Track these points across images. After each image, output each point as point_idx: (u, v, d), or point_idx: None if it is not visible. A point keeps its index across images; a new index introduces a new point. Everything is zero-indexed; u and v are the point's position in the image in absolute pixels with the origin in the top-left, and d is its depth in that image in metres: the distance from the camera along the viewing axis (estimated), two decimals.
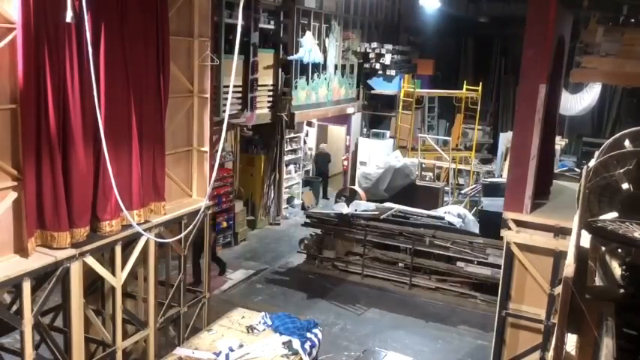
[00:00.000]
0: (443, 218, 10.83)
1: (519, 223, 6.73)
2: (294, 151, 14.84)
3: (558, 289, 5.98)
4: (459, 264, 10.00)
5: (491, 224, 8.92)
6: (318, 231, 11.44)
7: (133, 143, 6.01)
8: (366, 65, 16.86)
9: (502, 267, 6.88)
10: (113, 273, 6.06)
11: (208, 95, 7.13)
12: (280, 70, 13.41)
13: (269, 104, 13.32)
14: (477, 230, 10.19)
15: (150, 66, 6.12)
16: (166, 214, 6.60)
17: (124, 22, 5.72)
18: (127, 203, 5.80)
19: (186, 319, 7.40)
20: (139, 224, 5.97)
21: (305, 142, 15.61)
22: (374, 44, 16.60)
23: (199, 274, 9.21)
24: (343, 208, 11.78)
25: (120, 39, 5.71)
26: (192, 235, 6.96)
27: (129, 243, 6.24)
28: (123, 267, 6.12)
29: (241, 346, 6.23)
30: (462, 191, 15.26)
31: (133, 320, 6.72)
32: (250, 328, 6.64)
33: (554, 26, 6.78)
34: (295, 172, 15.03)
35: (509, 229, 6.70)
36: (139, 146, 6.07)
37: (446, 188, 15.19)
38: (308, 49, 13.37)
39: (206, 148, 7.22)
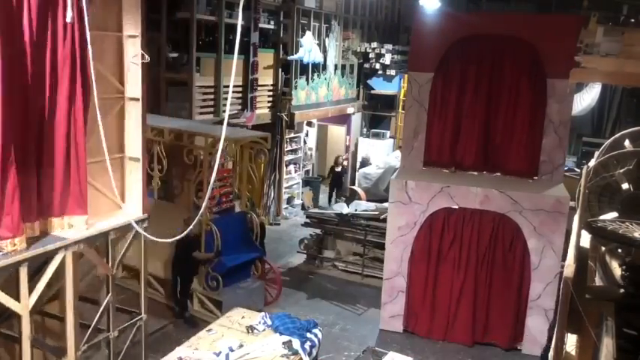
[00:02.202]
0: None
1: None
2: (294, 151, 14.84)
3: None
4: None
5: None
6: (318, 231, 11.44)
7: (45, 150, 5.19)
8: (366, 65, 16.86)
9: None
10: (18, 297, 5.03)
11: (140, 97, 6.20)
12: (280, 70, 13.41)
13: (269, 104, 13.33)
14: None
15: (61, 62, 5.16)
16: (89, 228, 5.62)
17: (30, 14, 4.80)
18: (36, 216, 5.15)
19: (119, 345, 6.41)
20: (53, 240, 5.23)
21: (305, 142, 15.61)
22: (374, 44, 16.60)
23: (179, 294, 8.75)
24: (343, 208, 11.78)
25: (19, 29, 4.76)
26: (121, 253, 6.13)
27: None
28: (33, 290, 5.12)
29: (241, 346, 6.22)
30: None
31: (44, 348, 5.91)
32: (250, 328, 6.64)
33: None
34: (295, 172, 15.03)
35: None
36: (53, 153, 5.24)
37: None
38: (308, 49, 13.38)
39: (138, 154, 6.26)
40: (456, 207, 8.20)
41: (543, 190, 8.19)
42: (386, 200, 12.82)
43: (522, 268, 8.11)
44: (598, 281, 2.92)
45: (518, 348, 8.39)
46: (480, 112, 8.76)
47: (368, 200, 13.32)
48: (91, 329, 5.97)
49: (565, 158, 8.86)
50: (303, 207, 14.93)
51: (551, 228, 7.90)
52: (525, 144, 8.66)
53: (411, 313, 8.73)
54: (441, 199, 8.24)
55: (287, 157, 14.42)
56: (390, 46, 16.70)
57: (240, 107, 12.16)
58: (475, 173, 8.87)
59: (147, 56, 6.15)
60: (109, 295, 6.18)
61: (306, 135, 15.84)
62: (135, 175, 6.35)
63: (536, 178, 8.62)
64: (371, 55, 16.62)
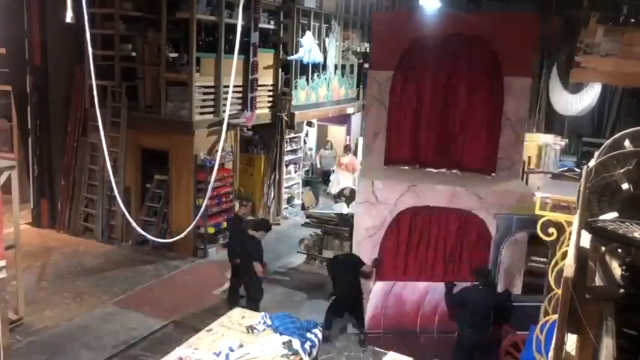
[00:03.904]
0: None
1: None
2: (294, 151, 14.84)
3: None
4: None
5: None
6: (318, 231, 11.44)
7: None
8: (366, 65, 16.83)
9: None
10: None
11: None
12: (280, 70, 13.41)
13: (269, 104, 13.34)
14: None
15: None
16: None
17: None
18: None
19: None
20: None
21: (305, 142, 15.61)
22: None
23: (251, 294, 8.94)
24: (343, 208, 11.77)
25: None
26: None
27: None
28: None
29: (241, 346, 6.22)
30: None
31: None
32: (250, 328, 6.64)
33: None
34: (295, 172, 15.03)
35: None
36: None
37: None
38: (308, 49, 13.37)
39: None
40: (423, 205, 8.19)
41: (503, 186, 8.25)
42: None
43: (486, 265, 8.05)
44: (598, 281, 2.92)
45: None
46: (439, 110, 8.79)
47: None
48: None
49: (522, 154, 8.97)
50: (303, 207, 14.94)
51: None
52: (484, 141, 8.68)
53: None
54: (408, 198, 8.21)
55: (287, 157, 14.42)
56: None
57: (240, 107, 12.16)
58: (434, 170, 8.87)
59: None
60: None
61: (306, 135, 15.85)
62: None
63: (494, 174, 8.66)
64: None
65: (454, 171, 8.83)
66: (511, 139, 8.58)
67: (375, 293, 8.09)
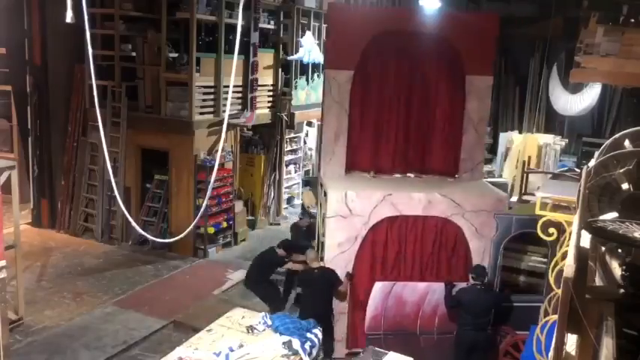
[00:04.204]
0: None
1: None
2: (294, 151, 14.84)
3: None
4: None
5: None
6: None
7: None
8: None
9: None
10: None
11: None
12: (280, 70, 13.41)
13: (269, 104, 13.33)
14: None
15: None
16: None
17: None
18: None
19: None
20: None
21: (305, 142, 15.61)
22: None
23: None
24: None
25: None
26: None
27: None
28: None
29: (241, 346, 6.22)
30: None
31: None
32: (250, 328, 6.64)
33: None
34: (295, 172, 15.03)
35: None
36: None
37: None
38: (308, 49, 13.37)
39: None
40: (398, 215, 7.80)
41: (478, 191, 8.14)
42: None
43: (466, 272, 7.81)
44: (598, 281, 2.92)
45: None
46: (401, 111, 8.60)
47: None
48: None
49: (483, 155, 8.95)
50: (303, 207, 14.92)
51: (492, 228, 7.72)
52: (446, 142, 8.61)
53: (354, 337, 8.09)
54: (384, 209, 7.73)
55: (287, 157, 14.41)
56: None
57: (240, 107, 12.16)
58: (398, 175, 8.72)
59: None
60: None
61: (306, 135, 15.84)
62: None
63: (457, 176, 8.59)
64: None
65: (419, 175, 8.74)
66: (474, 140, 8.53)
67: (375, 294, 7.75)
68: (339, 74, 8.38)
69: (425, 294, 7.88)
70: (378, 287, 7.73)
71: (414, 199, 7.80)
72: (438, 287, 7.82)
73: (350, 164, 8.72)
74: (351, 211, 7.74)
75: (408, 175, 8.76)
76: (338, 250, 7.84)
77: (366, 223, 7.76)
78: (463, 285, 7.61)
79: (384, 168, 8.75)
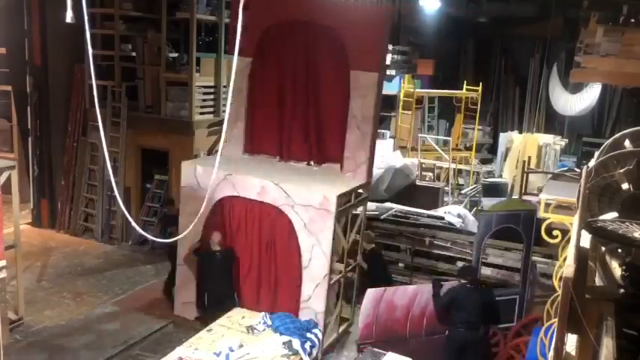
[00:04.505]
0: (443, 218, 10.81)
1: None
2: None
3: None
4: (459, 264, 9.99)
5: None
6: None
7: None
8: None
9: None
10: None
11: None
12: None
13: None
14: (476, 230, 10.18)
15: None
16: None
17: None
18: None
19: None
20: None
21: None
22: None
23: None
24: None
25: None
26: None
27: None
28: None
29: (241, 346, 6.23)
30: (462, 191, 15.26)
31: None
32: (250, 328, 6.65)
33: None
34: None
35: None
36: None
37: (446, 188, 15.18)
38: None
39: None
40: (239, 196, 7.99)
41: (313, 181, 7.95)
42: (386, 200, 12.88)
43: (298, 266, 7.72)
44: (598, 281, 2.92)
45: None
46: (295, 101, 8.62)
47: (369, 200, 13.29)
48: None
49: (370, 156, 8.27)
50: None
51: (319, 226, 7.49)
52: (332, 138, 8.44)
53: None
54: (225, 187, 7.98)
55: None
56: (390, 46, 16.68)
57: None
58: (294, 162, 8.82)
59: None
60: None
61: None
62: None
63: (342, 172, 8.43)
64: None
65: (316, 165, 8.72)
66: (357, 139, 8.16)
67: (367, 302, 7.53)
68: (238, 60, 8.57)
69: (414, 296, 7.77)
70: (370, 295, 7.56)
71: (249, 182, 7.93)
72: (426, 289, 7.72)
73: (249, 148, 9.04)
74: (199, 184, 8.14)
75: (308, 163, 8.78)
76: (189, 219, 7.73)
77: (211, 198, 7.71)
78: (452, 284, 7.60)
79: (283, 154, 8.91)
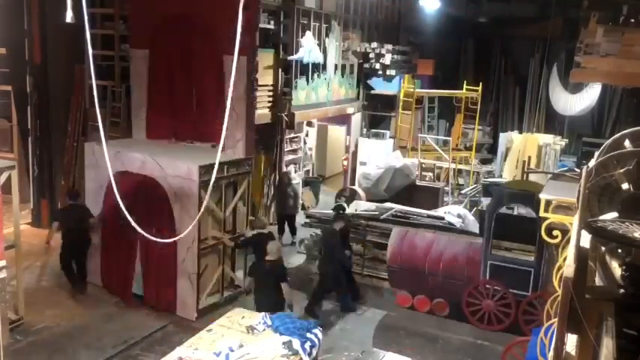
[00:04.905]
0: (443, 218, 10.82)
1: None
2: (294, 151, 14.83)
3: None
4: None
5: None
6: (318, 231, 11.43)
7: None
8: (366, 65, 16.85)
9: None
10: None
11: None
12: (280, 70, 13.40)
13: (269, 104, 13.32)
14: (477, 230, 10.18)
15: None
16: None
17: None
18: None
19: None
20: None
21: (305, 142, 15.60)
22: (374, 44, 16.59)
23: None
24: None
25: None
26: None
27: None
28: None
29: (241, 346, 6.22)
30: (462, 191, 15.26)
31: None
32: (250, 328, 6.64)
33: None
34: (295, 172, 15.02)
35: None
36: None
37: (446, 188, 15.20)
38: (308, 49, 13.36)
39: None
40: (125, 170, 8.97)
41: (182, 160, 8.90)
42: (386, 200, 12.89)
43: (173, 231, 8.49)
44: (598, 281, 2.92)
45: (176, 312, 8.94)
46: (179, 88, 10.06)
47: (367, 200, 13.32)
48: None
49: (247, 134, 10.14)
50: (303, 207, 14.93)
51: (187, 193, 8.55)
52: (212, 119, 9.72)
53: (105, 271, 9.58)
54: (116, 163, 8.60)
55: (287, 157, 14.40)
56: (390, 46, 16.69)
57: None
58: (184, 143, 10.19)
59: None
60: None
61: (306, 135, 15.84)
62: None
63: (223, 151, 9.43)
64: (371, 56, 16.59)
65: (193, 143, 10.20)
66: (233, 119, 9.65)
67: (394, 236, 9.77)
68: (136, 52, 10.36)
69: (431, 242, 9.57)
70: (396, 231, 9.81)
71: (132, 157, 9.05)
72: (442, 237, 9.63)
73: (150, 133, 10.45)
74: (97, 162, 9.08)
75: (191, 142, 10.21)
76: (93, 197, 9.53)
77: (106, 175, 8.13)
78: None
79: (176, 136, 10.32)
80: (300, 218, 12.63)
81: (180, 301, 8.90)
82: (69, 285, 9.70)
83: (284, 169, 14.23)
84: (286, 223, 12.58)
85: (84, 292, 9.52)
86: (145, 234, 6.29)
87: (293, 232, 12.54)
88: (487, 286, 8.92)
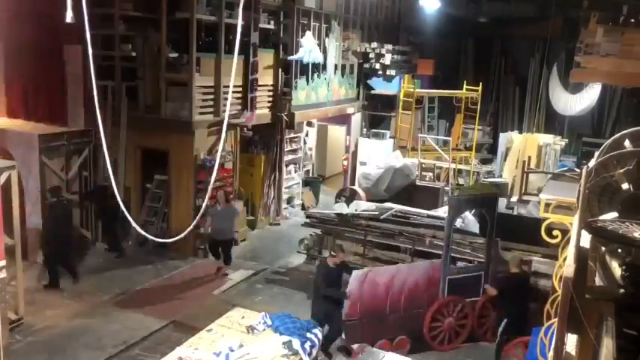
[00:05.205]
0: (443, 218, 10.80)
1: None
2: (294, 151, 14.83)
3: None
4: (459, 264, 10.00)
5: None
6: (318, 231, 11.43)
7: None
8: (366, 65, 16.85)
9: None
10: None
11: None
12: (280, 70, 13.40)
13: (269, 104, 13.33)
14: (477, 230, 10.18)
15: None
16: None
17: None
18: None
19: None
20: None
21: (305, 142, 15.61)
22: (374, 44, 16.59)
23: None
24: (343, 208, 11.76)
25: None
26: None
27: None
28: None
29: (241, 346, 6.22)
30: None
31: None
32: (250, 328, 6.64)
33: None
34: (295, 172, 15.02)
35: None
36: None
37: (446, 188, 15.18)
38: (308, 49, 13.37)
39: None
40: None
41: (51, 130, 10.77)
42: (386, 200, 12.89)
43: (23, 192, 9.75)
44: (598, 281, 2.92)
45: None
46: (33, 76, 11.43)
47: (367, 200, 13.31)
48: None
49: (85, 112, 11.14)
50: (303, 207, 14.94)
51: (29, 157, 10.22)
52: (58, 98, 11.35)
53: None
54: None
55: (287, 157, 14.40)
56: (390, 46, 16.70)
57: (240, 107, 12.15)
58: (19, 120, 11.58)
59: None
60: None
61: (306, 135, 15.84)
62: None
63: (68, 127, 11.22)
64: (371, 56, 16.60)
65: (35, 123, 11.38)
66: (74, 98, 11.26)
67: (352, 283, 8.23)
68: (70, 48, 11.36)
69: (393, 276, 8.56)
70: (354, 277, 8.23)
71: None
72: (402, 268, 8.87)
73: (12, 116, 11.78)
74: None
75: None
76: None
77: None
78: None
79: (30, 117, 11.56)
80: (301, 218, 12.63)
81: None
82: (69, 285, 9.71)
83: (284, 169, 14.23)
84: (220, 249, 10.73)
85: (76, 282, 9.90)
86: (142, 231, 6.27)
87: (227, 260, 10.75)
88: (448, 302, 8.60)
